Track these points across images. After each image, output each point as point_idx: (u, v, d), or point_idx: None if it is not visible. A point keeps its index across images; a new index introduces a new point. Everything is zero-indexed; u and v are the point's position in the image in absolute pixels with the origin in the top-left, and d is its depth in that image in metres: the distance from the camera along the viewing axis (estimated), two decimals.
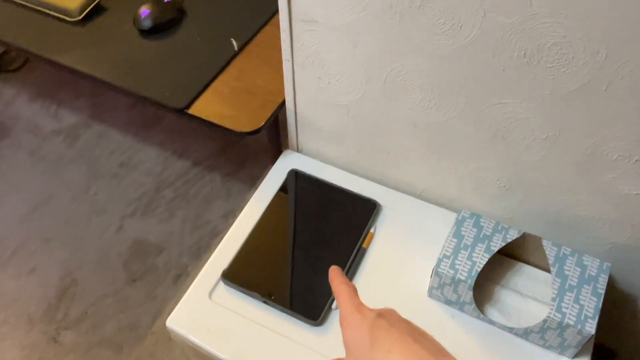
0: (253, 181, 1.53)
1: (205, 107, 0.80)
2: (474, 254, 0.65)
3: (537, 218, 0.73)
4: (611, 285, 0.75)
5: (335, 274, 0.50)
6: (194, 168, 1.52)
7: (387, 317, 0.44)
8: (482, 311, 0.67)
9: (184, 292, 0.71)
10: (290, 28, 0.69)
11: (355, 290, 0.48)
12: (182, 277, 1.29)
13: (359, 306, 0.46)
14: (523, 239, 0.68)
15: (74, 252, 1.35)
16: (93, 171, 1.51)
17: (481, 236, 0.67)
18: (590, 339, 0.61)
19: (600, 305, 0.61)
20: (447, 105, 0.66)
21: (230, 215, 1.40)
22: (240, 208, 0.79)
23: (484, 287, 0.69)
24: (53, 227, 1.39)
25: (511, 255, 0.72)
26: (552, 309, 0.60)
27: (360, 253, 0.74)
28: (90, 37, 0.90)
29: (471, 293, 0.64)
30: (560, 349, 0.63)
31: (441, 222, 0.76)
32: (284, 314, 0.69)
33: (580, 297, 0.61)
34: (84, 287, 1.28)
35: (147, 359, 1.15)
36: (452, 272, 0.64)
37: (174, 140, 1.59)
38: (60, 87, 1.74)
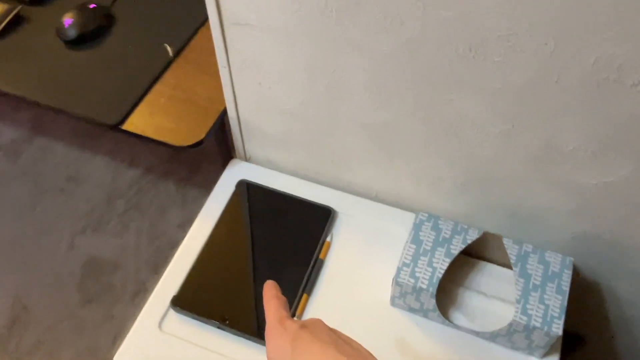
0: (209, 186, 1.47)
1: (141, 121, 0.74)
2: (434, 260, 0.62)
3: (496, 213, 0.70)
4: (576, 274, 0.73)
5: (267, 287, 0.50)
6: (146, 175, 1.45)
7: (311, 328, 0.43)
8: (446, 316, 0.65)
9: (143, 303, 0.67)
10: (223, 32, 0.64)
11: (285, 303, 0.48)
12: (140, 294, 1.23)
13: (283, 319, 0.45)
14: (483, 237, 0.65)
15: (22, 276, 1.27)
16: (38, 188, 1.43)
17: (440, 239, 0.64)
18: (558, 338, 0.59)
19: (565, 303, 0.59)
20: (394, 103, 0.62)
21: (187, 225, 1.34)
22: (197, 216, 0.74)
23: (447, 290, 0.67)
24: None
25: (472, 254, 0.69)
26: (517, 312, 0.58)
27: (318, 265, 0.70)
28: (10, 52, 0.83)
29: (434, 301, 0.61)
30: (529, 350, 0.61)
31: (400, 224, 0.73)
32: (241, 338, 0.65)
33: (545, 296, 0.59)
34: (36, 313, 1.21)
35: None
36: (412, 281, 0.61)
37: (122, 148, 1.51)
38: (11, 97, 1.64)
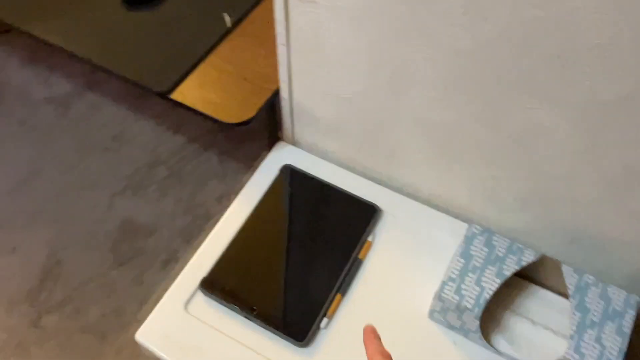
0: (250, 162, 1.45)
1: (190, 92, 0.71)
2: (483, 278, 0.57)
3: (556, 235, 0.64)
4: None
5: (369, 338, 0.44)
6: (190, 145, 1.44)
7: None
8: (488, 339, 0.60)
9: (173, 279, 0.65)
10: (287, 7, 0.59)
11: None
12: (171, 263, 1.22)
13: None
14: (541, 260, 0.60)
15: (60, 230, 1.28)
16: (84, 144, 1.44)
17: (493, 257, 0.59)
18: None
19: (625, 347, 0.53)
20: (461, 104, 0.57)
21: (225, 198, 1.33)
22: (235, 191, 0.71)
23: (492, 310, 0.62)
24: (40, 203, 1.32)
25: (525, 276, 0.64)
26: (569, 349, 0.53)
27: (356, 264, 0.66)
28: (69, 7, 0.81)
29: (478, 322, 0.56)
30: None
31: (450, 233, 0.68)
32: (266, 331, 0.62)
33: (603, 335, 0.53)
34: (69, 269, 1.22)
35: (130, 349, 1.10)
36: (457, 298, 0.56)
37: (170, 114, 1.50)
38: (54, 50, 1.65)
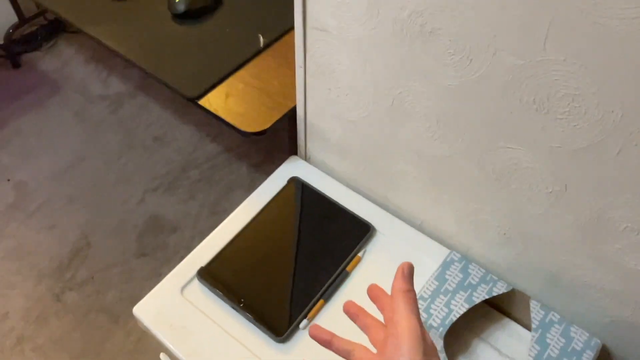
0: None
1: (217, 100, 0.79)
2: (452, 302, 0.61)
3: (536, 274, 0.67)
4: None
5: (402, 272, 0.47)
6: (224, 153, 1.53)
7: None
8: None
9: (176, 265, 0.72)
10: (304, 34, 0.66)
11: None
12: None
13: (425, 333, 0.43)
14: (511, 293, 0.63)
15: (94, 215, 1.38)
16: (128, 141, 1.55)
17: (465, 284, 0.62)
18: None
19: None
20: (451, 139, 0.62)
21: None
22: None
23: (460, 336, 0.65)
24: (79, 189, 1.43)
25: (498, 307, 0.67)
26: None
27: (343, 275, 0.71)
28: (125, 14, 0.91)
29: (442, 342, 0.60)
30: None
31: (434, 258, 0.72)
32: (250, 323, 0.67)
33: None
34: (96, 252, 1.32)
35: (139, 334, 1.17)
36: (425, 316, 0.60)
37: (210, 122, 1.60)
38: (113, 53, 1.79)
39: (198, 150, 1.53)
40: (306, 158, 0.84)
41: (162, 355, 0.81)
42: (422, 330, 0.42)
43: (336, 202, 0.77)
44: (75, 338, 1.18)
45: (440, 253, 0.72)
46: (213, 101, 0.79)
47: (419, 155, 0.67)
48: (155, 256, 1.31)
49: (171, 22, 0.89)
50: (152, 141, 1.55)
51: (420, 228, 0.76)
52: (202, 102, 0.78)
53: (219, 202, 1.42)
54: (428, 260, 0.72)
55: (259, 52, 0.85)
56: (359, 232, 0.75)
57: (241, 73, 0.82)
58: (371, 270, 0.72)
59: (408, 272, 0.46)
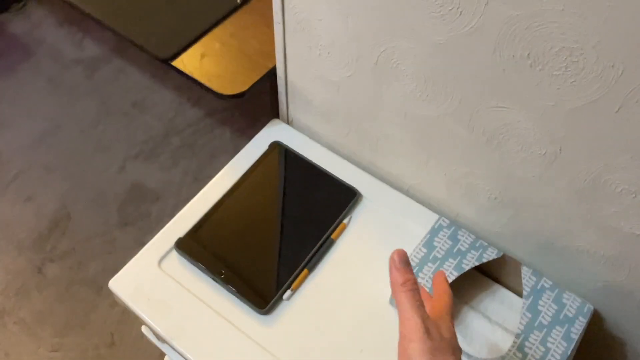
0: None
1: (191, 62, 0.74)
2: (441, 269, 0.58)
3: (528, 239, 0.65)
4: (598, 326, 0.67)
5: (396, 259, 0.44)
6: (206, 118, 1.48)
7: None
8: None
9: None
10: None
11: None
12: None
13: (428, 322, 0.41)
14: (502, 259, 0.60)
15: (72, 186, 1.34)
16: (105, 107, 1.49)
17: (454, 251, 0.60)
18: None
19: (569, 352, 0.54)
20: (440, 99, 0.58)
21: None
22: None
23: None
24: (57, 158, 1.39)
25: (489, 274, 0.65)
26: (513, 347, 0.54)
27: (328, 243, 0.68)
28: None
29: None
30: None
31: (422, 224, 0.69)
32: (231, 295, 0.64)
33: (549, 338, 0.54)
34: (76, 223, 1.28)
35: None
36: None
37: (191, 86, 1.54)
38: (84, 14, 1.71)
39: (179, 116, 1.48)
40: (288, 121, 0.80)
41: (143, 328, 0.79)
42: (428, 324, 0.40)
43: (320, 167, 0.74)
44: (58, 311, 1.16)
45: (428, 219, 0.70)
46: (188, 62, 0.74)
47: (406, 117, 0.63)
48: (137, 226, 1.28)
49: None
50: (130, 107, 1.49)
51: (407, 193, 0.73)
52: (176, 63, 0.74)
53: (203, 169, 1.38)
54: (416, 227, 0.69)
55: (236, 9, 0.80)
56: (344, 198, 0.71)
57: (217, 32, 0.77)
58: (357, 238, 0.69)
59: (400, 261, 0.43)
